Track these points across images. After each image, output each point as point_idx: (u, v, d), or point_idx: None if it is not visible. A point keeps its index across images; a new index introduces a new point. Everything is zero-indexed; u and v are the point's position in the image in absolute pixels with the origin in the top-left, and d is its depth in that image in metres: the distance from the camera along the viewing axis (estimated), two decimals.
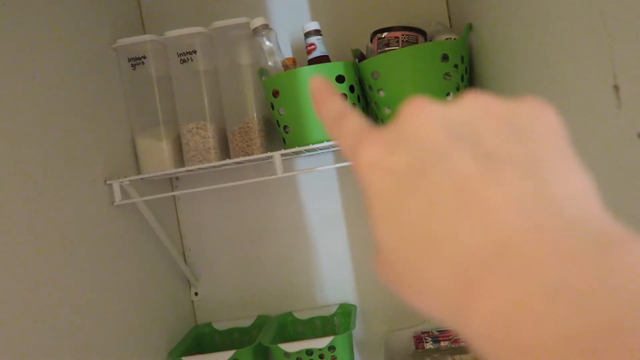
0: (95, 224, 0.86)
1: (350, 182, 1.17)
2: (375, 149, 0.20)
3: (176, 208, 1.20)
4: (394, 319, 1.16)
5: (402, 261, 0.18)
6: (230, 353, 0.98)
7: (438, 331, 1.10)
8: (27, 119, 0.74)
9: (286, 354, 0.98)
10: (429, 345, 1.07)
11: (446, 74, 0.89)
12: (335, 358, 0.99)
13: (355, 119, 0.23)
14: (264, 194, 1.18)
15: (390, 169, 0.19)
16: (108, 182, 0.91)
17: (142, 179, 0.99)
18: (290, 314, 1.16)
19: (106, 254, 0.88)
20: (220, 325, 1.17)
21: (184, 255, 1.21)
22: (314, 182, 1.17)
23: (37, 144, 0.75)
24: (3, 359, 0.62)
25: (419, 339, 1.09)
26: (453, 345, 1.05)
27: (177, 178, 1.19)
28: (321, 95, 0.25)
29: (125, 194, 0.93)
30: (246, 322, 1.17)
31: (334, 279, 1.18)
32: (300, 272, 1.19)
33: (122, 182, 0.91)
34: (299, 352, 0.98)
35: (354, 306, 1.14)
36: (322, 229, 1.18)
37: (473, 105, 0.20)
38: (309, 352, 0.98)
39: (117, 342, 0.87)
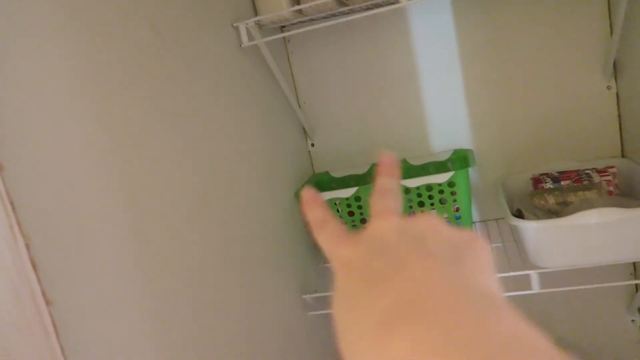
0: (226, 66, 0.91)
1: (465, 24, 1.12)
2: (344, 248, 0.27)
3: (290, 64, 1.23)
4: (510, 163, 1.16)
5: (341, 328, 0.24)
6: (354, 190, 1.04)
7: (558, 172, 1.09)
8: None
9: (407, 189, 1.03)
10: (548, 185, 1.06)
11: None
12: (455, 194, 1.02)
13: (334, 225, 0.30)
14: (377, 43, 1.17)
15: (349, 261, 0.26)
16: (235, 24, 0.94)
17: (259, 25, 1.01)
18: (404, 160, 1.19)
19: (236, 96, 0.93)
20: (337, 173, 1.24)
21: (300, 108, 1.25)
22: (428, 28, 1.14)
23: None
24: None
25: (537, 180, 1.09)
26: (575, 184, 1.04)
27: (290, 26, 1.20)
28: (309, 204, 0.32)
29: (250, 36, 0.96)
30: (362, 170, 1.22)
31: (448, 126, 1.18)
32: (415, 120, 1.20)
33: (247, 24, 0.94)
34: (418, 188, 1.02)
35: (470, 150, 1.14)
36: (437, 76, 1.16)
37: (424, 221, 0.28)
38: (429, 187, 1.02)
39: (242, 185, 0.95)
